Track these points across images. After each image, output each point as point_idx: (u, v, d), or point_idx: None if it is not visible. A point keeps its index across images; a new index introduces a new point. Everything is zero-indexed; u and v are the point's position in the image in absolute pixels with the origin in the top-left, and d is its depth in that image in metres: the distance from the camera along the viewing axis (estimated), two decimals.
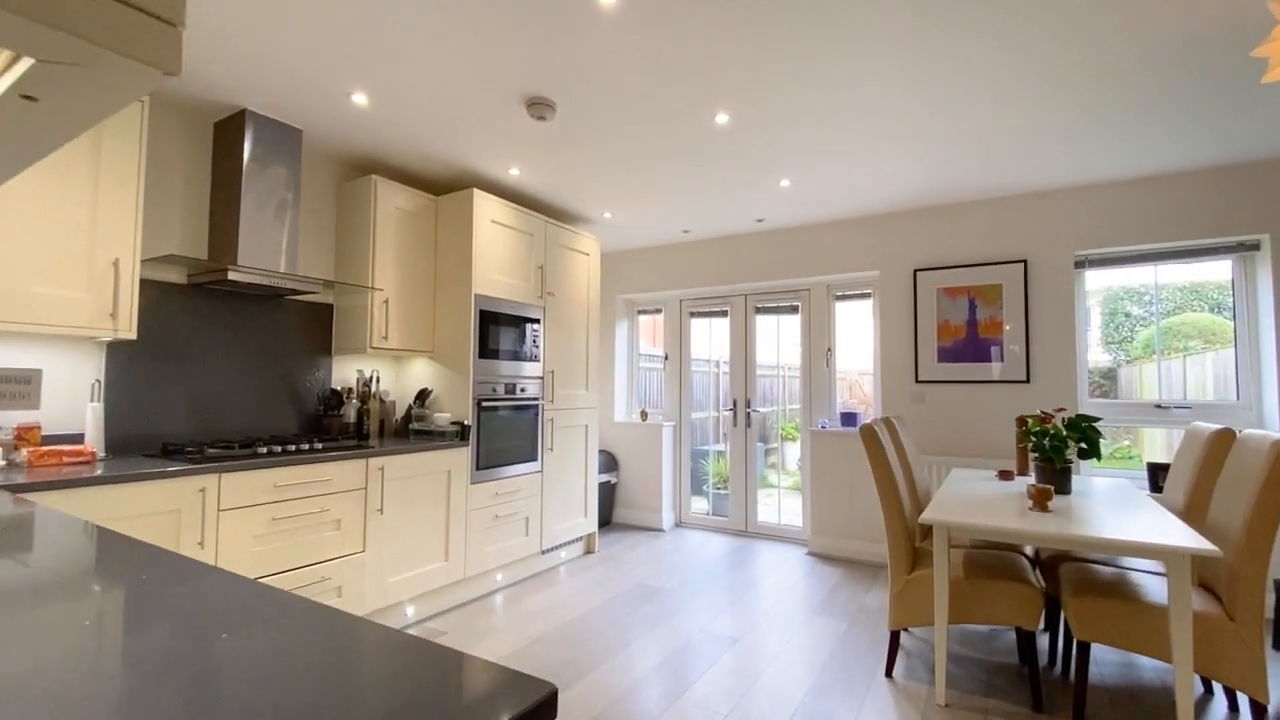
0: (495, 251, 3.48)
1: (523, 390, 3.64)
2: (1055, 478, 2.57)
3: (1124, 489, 2.75)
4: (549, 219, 3.89)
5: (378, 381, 3.41)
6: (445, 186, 3.69)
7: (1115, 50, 2.17)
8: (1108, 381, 3.73)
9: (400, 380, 3.62)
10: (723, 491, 5.03)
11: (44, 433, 2.29)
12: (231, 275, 2.53)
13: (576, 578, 3.73)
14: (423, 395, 3.44)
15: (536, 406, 3.74)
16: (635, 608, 3.24)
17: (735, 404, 4.92)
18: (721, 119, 2.74)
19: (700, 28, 2.07)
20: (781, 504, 4.85)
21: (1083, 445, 2.54)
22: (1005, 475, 2.99)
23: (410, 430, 3.40)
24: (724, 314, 5.04)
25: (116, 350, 2.50)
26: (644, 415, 5.13)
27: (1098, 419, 2.60)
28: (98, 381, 2.41)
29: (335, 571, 2.59)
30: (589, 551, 4.27)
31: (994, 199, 3.82)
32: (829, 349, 4.53)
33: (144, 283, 2.57)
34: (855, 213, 4.16)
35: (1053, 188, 3.62)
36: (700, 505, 5.17)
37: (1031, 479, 3.02)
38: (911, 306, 4.04)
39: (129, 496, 1.99)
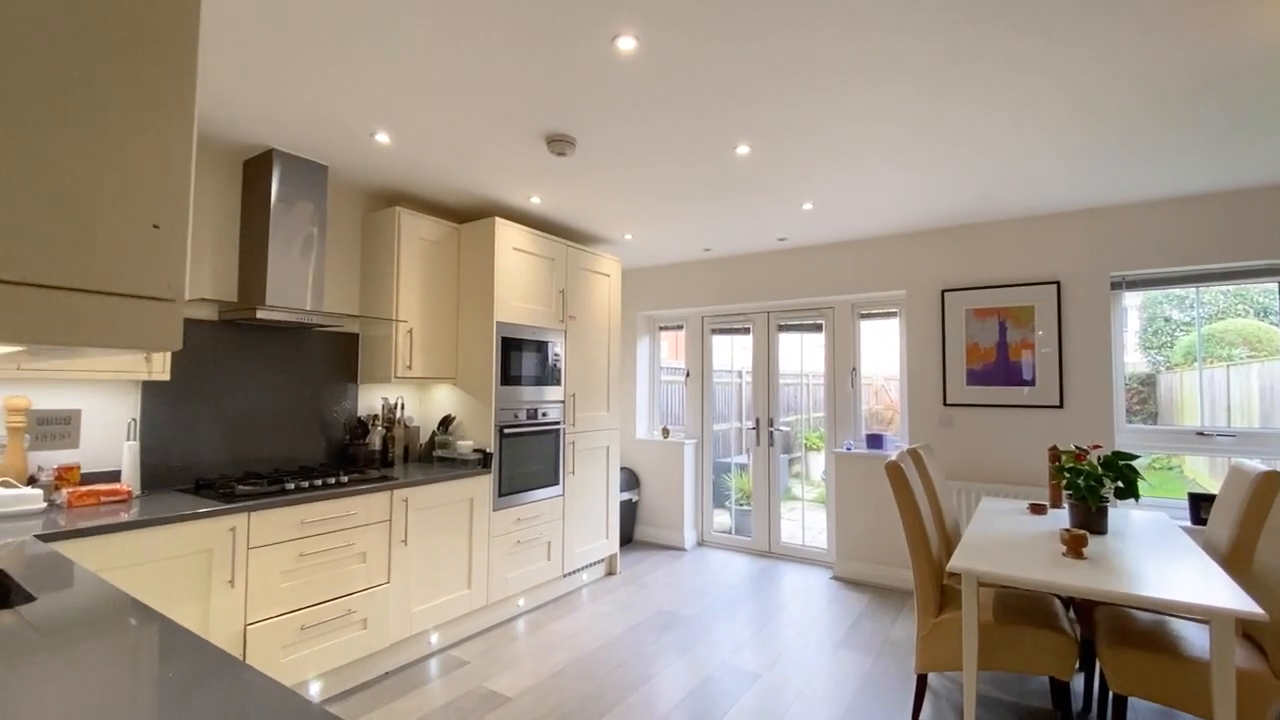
0: (517, 278, 3.50)
1: (544, 415, 3.65)
2: (1090, 518, 2.49)
3: (1164, 527, 2.64)
4: (570, 243, 3.90)
5: (402, 408, 3.45)
6: (468, 215, 3.72)
7: (1158, 71, 2.09)
8: (1146, 389, 3.60)
9: (425, 406, 3.66)
10: (745, 507, 4.99)
11: (83, 470, 2.36)
12: (260, 314, 2.59)
13: (598, 601, 3.74)
14: (446, 421, 3.48)
15: (558, 431, 3.75)
16: (657, 636, 3.23)
17: (758, 422, 4.87)
18: (742, 150, 2.70)
19: (718, 70, 2.04)
20: (806, 520, 4.78)
21: (1119, 485, 2.45)
22: (1037, 509, 2.90)
23: (434, 457, 3.44)
24: (746, 331, 5.00)
25: (151, 387, 2.57)
26: (665, 433, 5.11)
27: (1135, 456, 2.50)
28: (133, 420, 2.49)
29: (361, 604, 2.63)
30: (611, 573, 4.27)
31: (1025, 218, 3.71)
32: (853, 368, 4.46)
33: (187, 322, 2.63)
34: (880, 232, 4.08)
35: (1087, 207, 3.50)
36: (723, 520, 5.14)
37: (1064, 512, 2.92)
38: (939, 328, 3.96)
39: (162, 539, 2.05)
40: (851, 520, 4.20)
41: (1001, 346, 3.73)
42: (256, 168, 2.80)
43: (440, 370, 3.41)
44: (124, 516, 2.03)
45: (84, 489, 2.18)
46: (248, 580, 2.28)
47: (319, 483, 2.60)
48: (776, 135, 2.55)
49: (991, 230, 3.81)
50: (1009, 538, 2.46)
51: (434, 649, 3.01)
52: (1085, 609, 2.52)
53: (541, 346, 3.64)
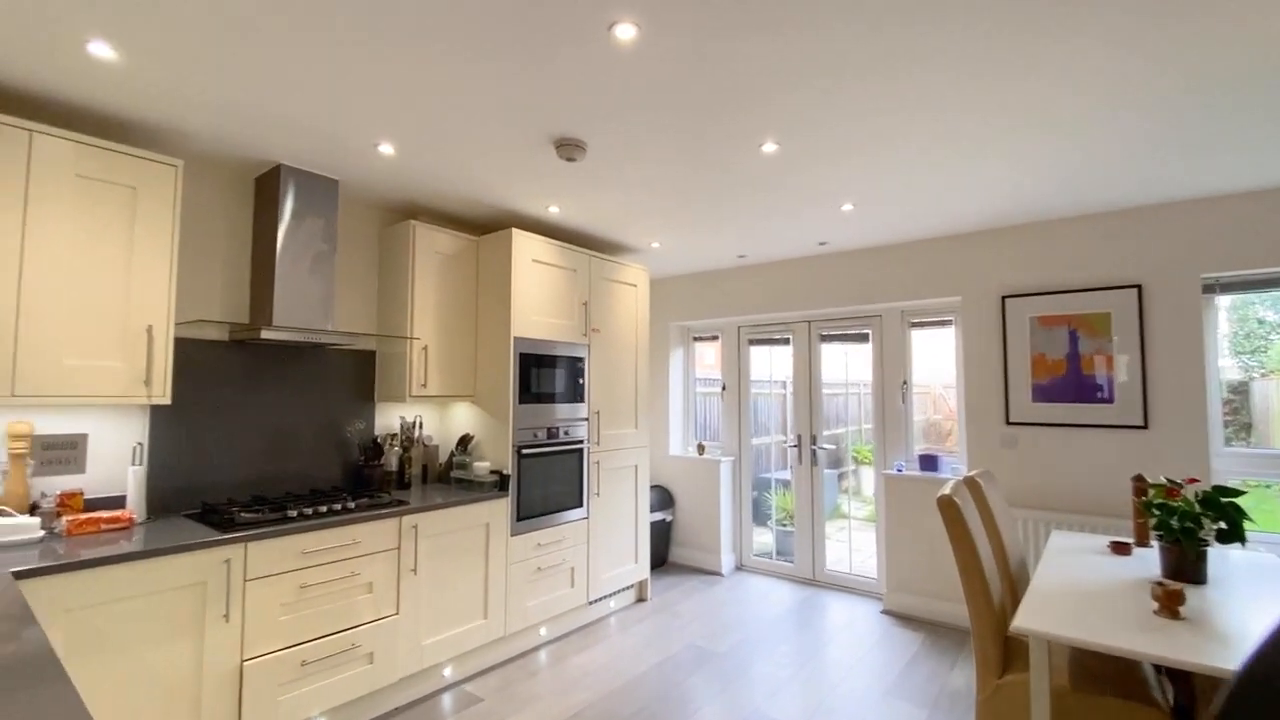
0: (536, 291, 3.35)
1: (566, 434, 3.48)
2: (1186, 565, 2.11)
3: (1273, 573, 2.22)
4: (593, 253, 3.72)
5: (420, 427, 3.35)
6: (486, 226, 3.60)
7: (1258, 50, 1.73)
8: (1238, 397, 3.13)
9: (444, 424, 3.55)
10: (788, 527, 4.67)
11: (88, 496, 2.32)
12: (265, 334, 2.51)
13: (626, 632, 3.52)
14: (465, 441, 3.35)
15: (581, 450, 3.57)
16: (686, 675, 2.99)
17: (799, 438, 4.56)
18: (769, 149, 2.46)
19: (732, 61, 1.81)
20: (856, 543, 4.43)
21: (1222, 526, 2.07)
22: (1120, 548, 2.51)
23: (452, 478, 3.32)
24: (785, 342, 4.70)
25: (159, 411, 2.52)
26: (701, 449, 4.86)
27: (1240, 492, 2.11)
28: (139, 445, 2.44)
29: (366, 638, 2.50)
30: (641, 599, 4.05)
31: (1099, 214, 3.30)
32: (904, 381, 4.10)
33: (187, 342, 2.59)
34: (930, 233, 3.73)
35: (1173, 200, 3.07)
36: (763, 541, 4.83)
37: (1153, 552, 2.52)
38: (1000, 338, 3.57)
39: (154, 571, 1.96)
40: (903, 549, 3.84)
41: (1073, 358, 3.32)
42: (266, 185, 2.74)
43: (458, 388, 3.29)
44: (122, 545, 1.96)
45: (84, 516, 2.13)
46: (244, 614, 2.18)
47: (323, 509, 2.49)
48: (807, 130, 2.30)
49: (1060, 229, 3.41)
50: (1087, 585, 2.11)
51: (447, 683, 2.86)
52: (1182, 673, 2.13)
53: (563, 362, 3.47)
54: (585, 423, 3.60)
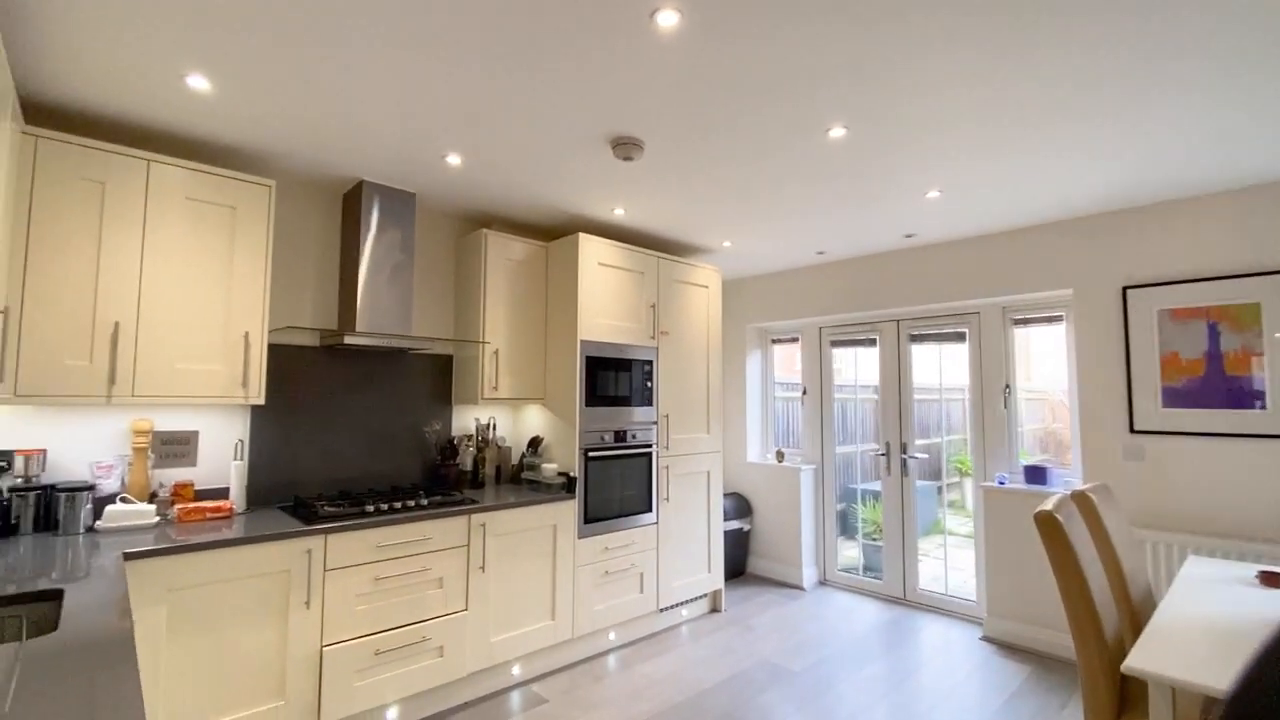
0: (603, 294, 3.35)
1: (634, 437, 3.45)
2: None
3: None
4: (662, 254, 3.68)
5: (494, 428, 3.44)
6: (556, 232, 3.66)
7: None
8: None
9: (518, 426, 3.63)
10: (877, 542, 4.37)
11: (198, 487, 2.57)
12: (346, 340, 2.67)
13: (697, 642, 3.42)
14: (535, 443, 3.40)
15: (650, 454, 3.52)
16: (758, 692, 2.84)
17: (888, 447, 4.26)
18: (837, 133, 2.30)
19: (784, 42, 1.71)
20: (954, 561, 4.06)
21: None
22: (1270, 579, 2.11)
23: (522, 479, 3.38)
24: (871, 343, 4.41)
25: (258, 410, 2.76)
26: (780, 456, 4.67)
27: None
28: (240, 441, 2.68)
29: (437, 631, 2.59)
30: (715, 610, 3.93)
31: (1243, 189, 2.82)
32: (1006, 385, 3.71)
33: (282, 347, 2.82)
34: (1033, 219, 3.36)
35: None
36: (850, 555, 4.55)
37: None
38: (1121, 335, 3.14)
39: (243, 558, 2.13)
40: (1006, 570, 3.46)
41: (1213, 357, 2.85)
42: (352, 199, 2.93)
43: (528, 391, 3.35)
44: (221, 533, 2.14)
45: (193, 505, 2.36)
46: (324, 602, 2.31)
47: (397, 505, 2.61)
48: (878, 111, 2.13)
49: (1193, 208, 2.95)
50: (1226, 621, 1.77)
51: (516, 681, 2.90)
52: None
53: (630, 365, 3.45)
54: (654, 426, 3.56)
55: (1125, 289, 3.12)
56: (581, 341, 3.22)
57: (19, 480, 2.14)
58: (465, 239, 3.39)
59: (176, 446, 2.53)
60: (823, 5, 1.58)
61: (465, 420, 3.45)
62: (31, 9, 1.61)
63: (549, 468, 3.23)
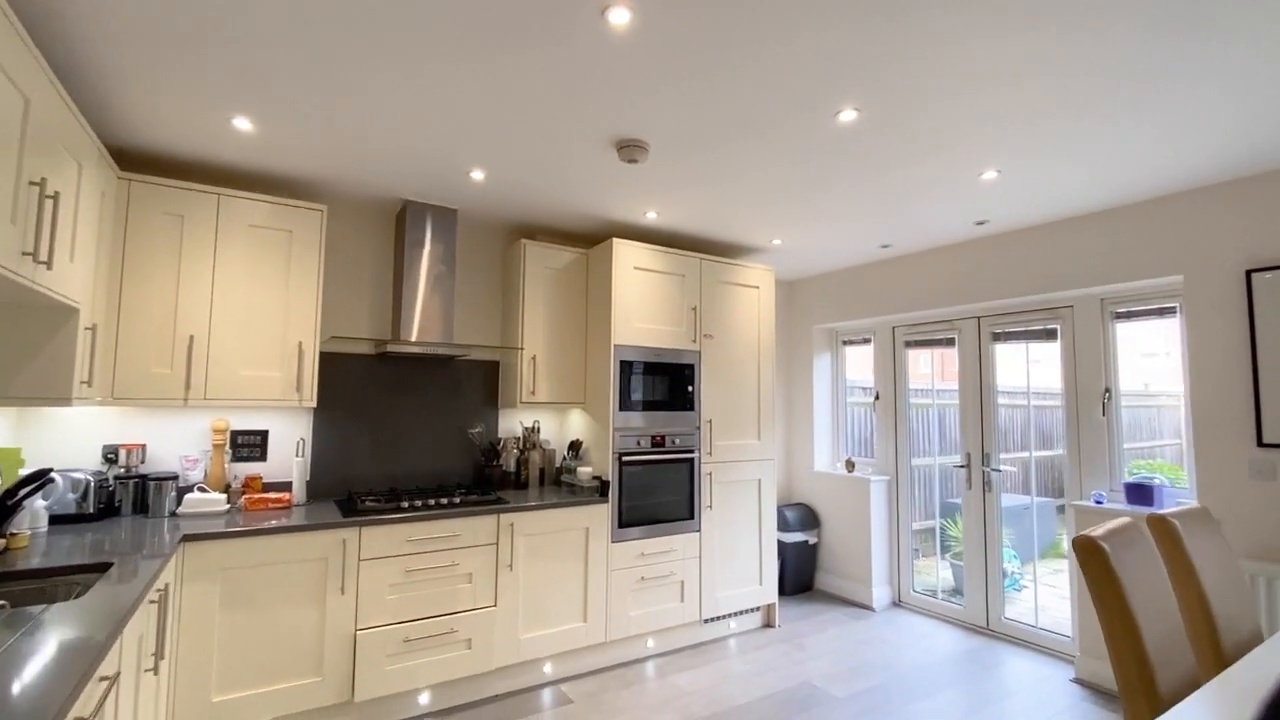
0: (639, 298, 3.34)
1: (674, 443, 3.40)
2: None
3: None
4: (705, 256, 3.60)
5: (538, 431, 3.55)
6: (597, 238, 3.71)
7: None
8: None
9: (562, 430, 3.72)
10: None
11: (266, 480, 2.91)
12: (390, 348, 2.90)
13: (741, 657, 3.29)
14: (575, 446, 3.47)
15: (691, 460, 3.45)
16: (789, 715, 2.68)
17: (968, 458, 3.84)
18: (847, 116, 2.14)
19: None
20: (1046, 589, 3.58)
21: None
22: None
23: (560, 481, 3.46)
24: (950, 343, 4.01)
25: (320, 412, 3.06)
26: (850, 465, 4.37)
27: None
28: (302, 440, 2.99)
29: (464, 624, 2.72)
30: (768, 625, 3.75)
31: None
32: (1106, 389, 3.21)
33: (338, 355, 3.11)
34: (1126, 197, 2.88)
35: None
36: (945, 576, 4.15)
37: None
38: (1246, 328, 2.60)
39: (284, 544, 2.37)
40: None
41: None
42: (400, 219, 3.17)
43: (566, 395, 3.42)
44: (270, 522, 2.41)
45: (258, 496, 2.67)
46: (358, 589, 2.51)
47: (431, 502, 2.78)
48: (891, 84, 1.95)
49: None
50: None
51: (546, 680, 2.97)
52: None
53: (668, 369, 3.41)
54: (695, 432, 3.48)
55: (1249, 272, 2.58)
56: (615, 346, 3.24)
57: (122, 470, 2.55)
58: (509, 249, 3.54)
59: (250, 444, 2.88)
60: None
61: (512, 423, 3.59)
62: (114, 78, 1.93)
63: (584, 471, 3.28)
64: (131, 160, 2.61)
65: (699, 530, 3.45)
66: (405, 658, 2.58)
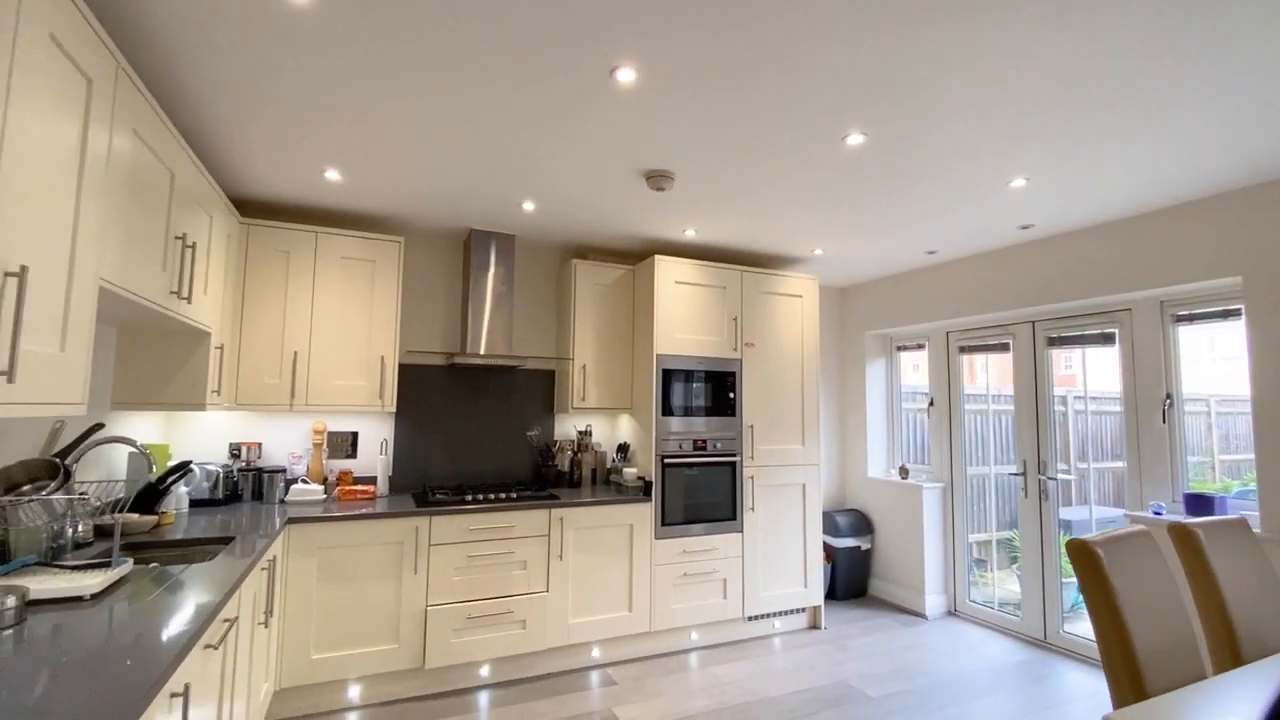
0: (681, 310, 3.56)
1: (715, 446, 3.58)
2: None
3: None
4: (746, 268, 3.77)
5: (590, 434, 3.85)
6: (640, 255, 3.97)
7: None
8: None
9: (612, 433, 3.99)
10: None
11: (356, 475, 3.37)
12: (456, 360, 3.29)
13: (781, 655, 3.42)
14: (623, 449, 3.73)
15: (733, 463, 3.62)
16: (815, 711, 2.80)
17: (1024, 466, 3.76)
18: (855, 140, 2.27)
19: (801, 48, 1.81)
20: None
21: None
22: None
23: (609, 481, 3.72)
24: (1005, 348, 3.93)
25: (400, 416, 3.50)
26: (904, 472, 4.36)
27: None
28: (385, 440, 3.44)
29: (519, 606, 3.04)
30: (814, 626, 3.84)
31: None
32: (1168, 395, 3.08)
33: (414, 366, 3.54)
34: (1179, 196, 2.78)
35: None
36: (1006, 590, 4.06)
37: None
38: None
39: (366, 529, 2.78)
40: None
41: None
42: (467, 245, 3.57)
43: (614, 401, 3.69)
44: (355, 510, 2.84)
45: (348, 488, 3.13)
46: (428, 570, 2.89)
47: (492, 496, 3.13)
48: (893, 107, 2.08)
49: None
50: None
51: (594, 663, 3.24)
52: None
53: (709, 376, 3.60)
54: (737, 437, 3.65)
55: None
56: (658, 355, 3.48)
57: (243, 463, 3.07)
58: (562, 268, 3.87)
59: (342, 444, 3.36)
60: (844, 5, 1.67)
61: (566, 426, 3.91)
62: (235, 145, 2.41)
63: (630, 472, 3.53)
64: (248, 207, 3.16)
65: (741, 531, 3.61)
66: (468, 633, 2.93)
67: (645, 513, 3.36)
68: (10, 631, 1.30)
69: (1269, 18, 1.55)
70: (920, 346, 4.53)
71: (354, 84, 1.94)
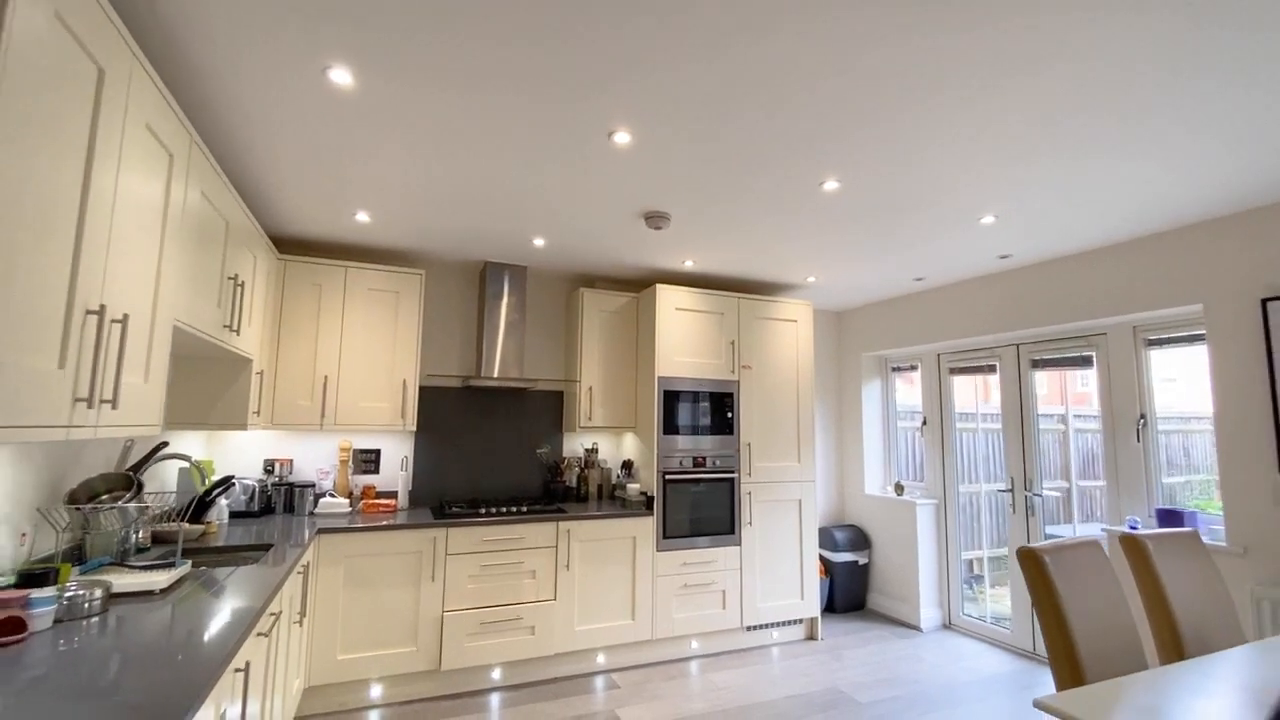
0: (681, 335, 3.81)
1: (714, 463, 3.79)
2: None
3: None
4: (743, 295, 4.01)
5: (596, 452, 4.07)
6: (643, 284, 4.23)
7: None
8: None
9: (618, 450, 4.22)
10: None
11: (379, 489, 3.62)
12: (471, 383, 3.55)
13: (778, 664, 3.58)
14: (628, 465, 3.95)
15: (731, 480, 3.83)
16: (808, 713, 2.97)
17: (1011, 483, 3.92)
18: (831, 186, 2.51)
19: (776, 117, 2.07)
20: None
21: None
22: None
23: (615, 496, 3.94)
24: (991, 369, 4.12)
25: (420, 434, 3.76)
26: (899, 489, 4.53)
27: None
28: (405, 457, 3.69)
29: (529, 613, 3.25)
30: (811, 637, 4.00)
31: None
32: (1141, 415, 3.25)
33: (434, 389, 3.81)
34: (1144, 229, 2.98)
35: None
36: (998, 605, 4.20)
37: None
38: (1264, 355, 2.64)
39: (387, 539, 3.03)
40: None
41: None
42: (483, 276, 3.86)
43: (619, 421, 3.92)
44: (377, 521, 3.09)
45: (372, 501, 3.38)
46: (445, 579, 3.12)
47: (502, 510, 3.36)
48: (863, 160, 2.32)
49: None
50: (1217, 691, 1.59)
51: (599, 668, 3.43)
52: None
53: (708, 397, 3.82)
54: (735, 454, 3.86)
55: (1265, 301, 2.63)
56: (660, 377, 3.71)
57: (276, 479, 3.34)
58: (571, 296, 4.13)
59: (367, 460, 3.62)
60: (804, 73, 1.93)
61: (575, 444, 4.14)
62: (276, 192, 2.71)
63: (633, 487, 3.75)
64: (286, 245, 3.47)
65: (739, 544, 3.80)
66: (481, 637, 3.15)
67: (648, 526, 3.58)
68: (97, 619, 1.55)
69: (1194, 83, 1.78)
70: (913, 368, 4.72)
71: (386, 144, 2.23)
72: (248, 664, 1.52)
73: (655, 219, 2.89)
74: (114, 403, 1.40)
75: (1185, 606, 2.07)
